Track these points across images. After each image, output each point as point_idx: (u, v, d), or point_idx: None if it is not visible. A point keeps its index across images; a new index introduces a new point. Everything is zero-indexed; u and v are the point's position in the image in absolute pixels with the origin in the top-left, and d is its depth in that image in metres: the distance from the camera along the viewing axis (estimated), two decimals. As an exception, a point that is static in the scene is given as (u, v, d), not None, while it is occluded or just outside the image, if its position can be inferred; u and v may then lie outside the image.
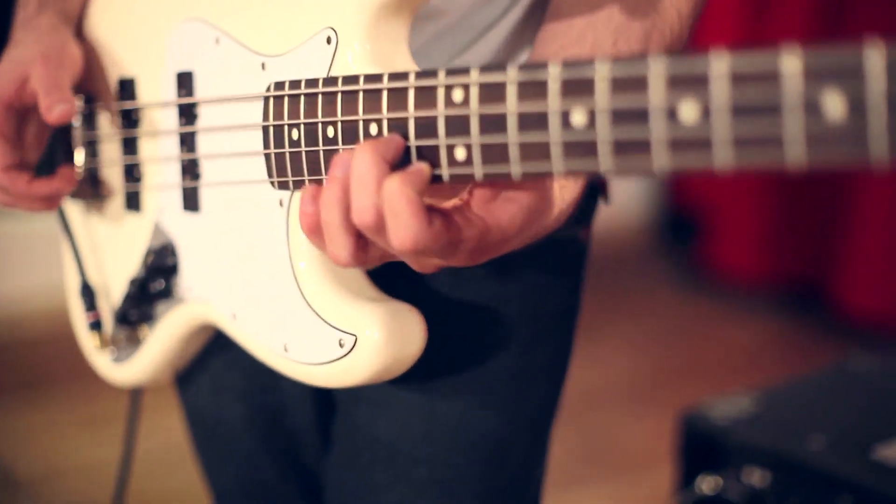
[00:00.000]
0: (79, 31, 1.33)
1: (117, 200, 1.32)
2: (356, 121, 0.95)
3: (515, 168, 0.83)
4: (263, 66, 1.07)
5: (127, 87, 1.27)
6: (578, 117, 0.78)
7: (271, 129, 1.05)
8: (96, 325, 1.33)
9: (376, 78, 0.93)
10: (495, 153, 0.84)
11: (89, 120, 1.34)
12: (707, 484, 1.73)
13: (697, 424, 1.93)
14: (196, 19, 1.16)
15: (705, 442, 1.88)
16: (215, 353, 1.34)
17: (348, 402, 1.25)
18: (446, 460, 1.19)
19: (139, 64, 1.26)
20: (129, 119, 1.27)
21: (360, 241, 0.90)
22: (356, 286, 1.07)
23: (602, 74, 0.76)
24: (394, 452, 1.20)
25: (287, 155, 1.03)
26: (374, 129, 0.93)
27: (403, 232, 0.84)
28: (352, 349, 1.02)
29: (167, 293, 1.24)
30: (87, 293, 1.34)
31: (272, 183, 1.06)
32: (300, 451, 1.36)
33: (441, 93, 0.87)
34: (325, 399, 1.31)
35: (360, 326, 1.01)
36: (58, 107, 1.19)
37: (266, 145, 1.06)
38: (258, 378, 1.33)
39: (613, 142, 0.76)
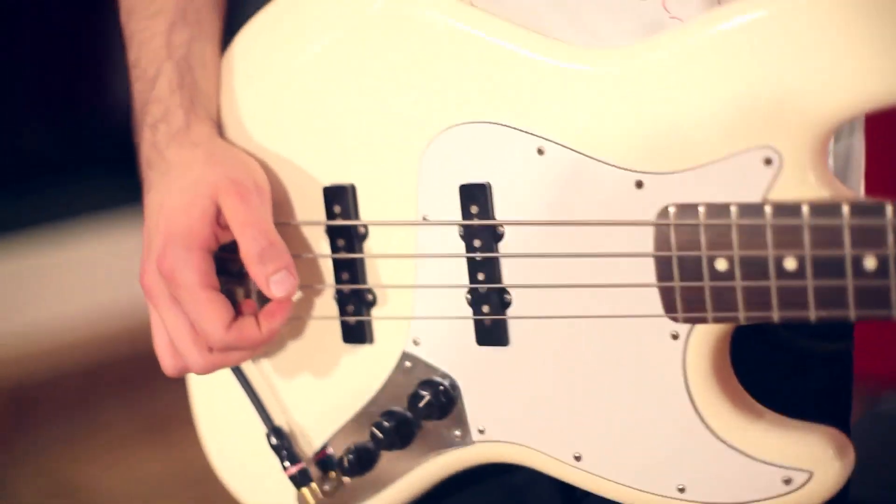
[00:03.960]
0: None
1: (310, 327, 1.11)
2: (839, 256, 0.87)
3: None
4: (640, 184, 0.95)
5: (337, 197, 1.07)
6: None
7: (675, 259, 0.93)
8: (303, 479, 1.11)
9: (875, 209, 0.86)
10: None
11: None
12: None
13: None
14: (497, 125, 0.99)
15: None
16: None
17: None
18: None
19: (357, 170, 1.06)
20: (349, 236, 1.07)
21: None
22: (757, 412, 0.99)
23: None
24: None
25: (708, 288, 0.92)
26: (870, 263, 0.86)
27: None
28: (804, 485, 0.95)
29: (431, 436, 1.07)
30: (282, 441, 1.12)
31: (674, 318, 0.95)
32: None
33: None
34: None
35: (815, 461, 0.94)
36: (280, 277, 1.01)
37: (664, 277, 0.94)
38: None
39: None
